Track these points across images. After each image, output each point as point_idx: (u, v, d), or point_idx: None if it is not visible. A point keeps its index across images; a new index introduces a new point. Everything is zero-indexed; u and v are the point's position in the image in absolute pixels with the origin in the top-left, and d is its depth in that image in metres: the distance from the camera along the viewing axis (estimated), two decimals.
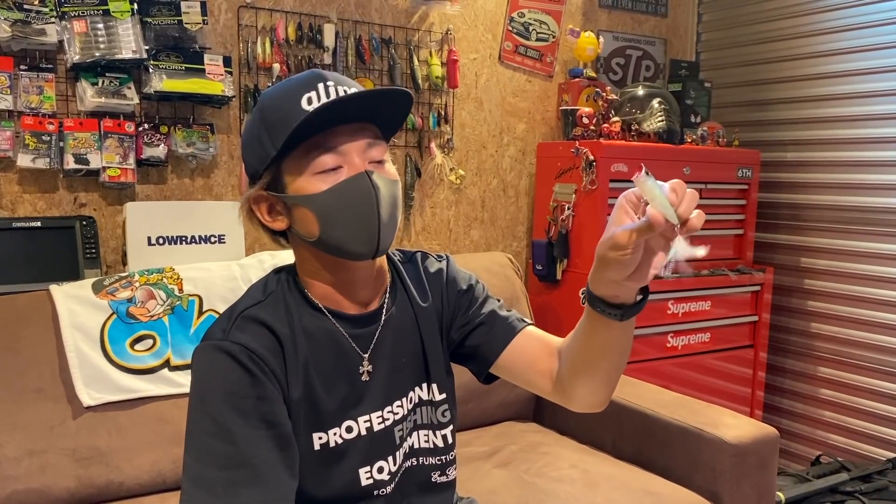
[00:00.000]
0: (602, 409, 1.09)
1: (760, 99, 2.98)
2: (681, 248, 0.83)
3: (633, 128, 2.60)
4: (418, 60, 2.52)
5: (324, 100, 0.98)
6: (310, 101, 0.98)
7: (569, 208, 2.56)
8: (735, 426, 1.89)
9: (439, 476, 1.15)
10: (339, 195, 0.98)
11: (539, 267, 2.64)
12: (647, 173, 0.80)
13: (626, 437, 2.07)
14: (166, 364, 1.83)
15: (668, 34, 3.23)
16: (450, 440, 1.16)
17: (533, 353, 1.13)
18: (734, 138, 2.84)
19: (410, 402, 1.12)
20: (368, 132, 1.02)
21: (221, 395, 0.96)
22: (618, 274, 0.86)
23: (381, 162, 1.03)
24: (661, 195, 0.79)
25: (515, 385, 2.39)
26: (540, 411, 2.38)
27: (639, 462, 2.01)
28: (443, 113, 2.61)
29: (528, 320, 1.19)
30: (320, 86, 0.99)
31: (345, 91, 1.00)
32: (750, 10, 3.04)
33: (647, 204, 0.81)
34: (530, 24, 2.82)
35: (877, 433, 2.65)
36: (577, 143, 2.53)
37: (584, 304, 0.97)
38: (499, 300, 1.22)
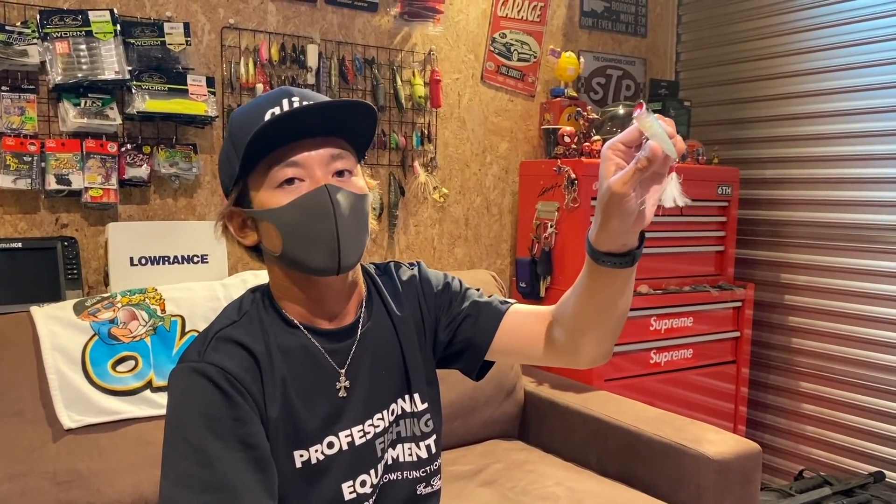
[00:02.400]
0: (607, 360, 1.12)
1: (739, 117, 3.03)
2: (671, 190, 0.88)
3: None
4: (401, 80, 2.54)
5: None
6: (273, 115, 0.99)
7: (551, 226, 2.57)
8: (718, 442, 1.91)
9: (424, 487, 1.14)
10: (298, 209, 0.98)
11: (523, 284, 2.65)
12: (648, 110, 0.85)
13: (611, 453, 2.07)
14: (148, 385, 1.81)
15: (648, 54, 3.28)
16: (433, 450, 1.16)
17: (526, 327, 1.15)
18: (714, 156, 2.87)
19: (392, 414, 1.12)
20: (333, 144, 1.02)
21: (197, 418, 0.95)
22: (622, 222, 0.89)
23: (345, 174, 1.02)
24: (661, 130, 0.84)
25: (500, 403, 2.40)
26: (525, 429, 2.38)
27: (623, 479, 2.02)
28: (426, 132, 2.63)
29: (512, 300, 1.20)
30: (285, 101, 1.00)
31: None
32: (728, 31, 3.09)
33: (645, 140, 0.85)
34: (512, 45, 2.85)
35: (859, 447, 2.67)
36: (559, 161, 2.55)
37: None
38: (477, 289, 1.23)
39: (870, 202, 2.63)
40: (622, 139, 0.88)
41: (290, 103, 1.00)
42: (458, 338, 1.18)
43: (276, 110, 0.99)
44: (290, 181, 0.99)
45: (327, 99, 1.04)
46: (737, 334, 2.85)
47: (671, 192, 0.88)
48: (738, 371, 2.85)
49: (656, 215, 0.90)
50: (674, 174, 0.88)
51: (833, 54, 2.71)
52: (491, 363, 1.20)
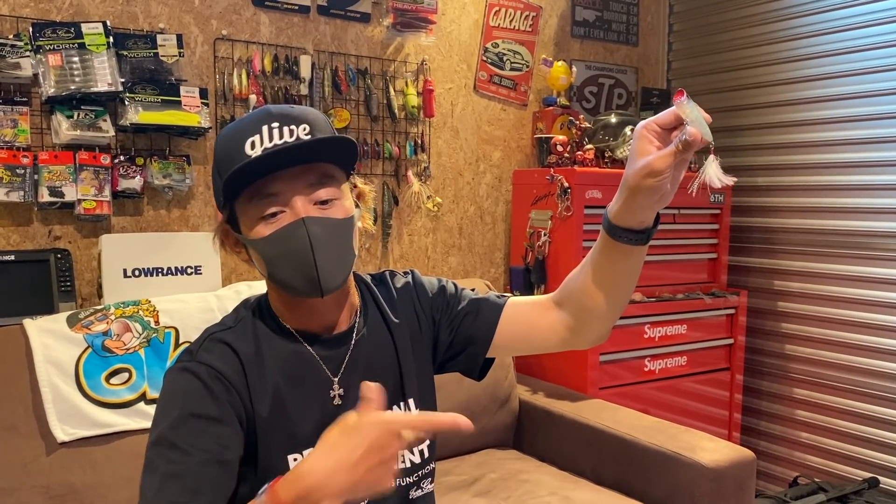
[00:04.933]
0: (605, 340, 1.17)
1: (731, 125, 3.05)
2: (713, 170, 0.91)
3: (606, 155, 2.64)
4: (394, 90, 2.55)
5: (266, 144, 1.00)
6: (252, 146, 1.00)
7: (545, 234, 2.58)
8: (712, 450, 1.91)
9: (415, 491, 1.16)
10: (276, 243, 1.01)
11: (516, 293, 2.66)
12: (688, 97, 0.90)
13: (606, 462, 2.08)
14: (142, 397, 1.81)
15: (640, 63, 3.30)
16: (426, 454, 1.17)
17: (528, 316, 1.18)
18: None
19: None
20: (313, 174, 1.02)
21: (178, 412, 0.98)
22: (649, 199, 0.95)
23: (328, 202, 1.03)
24: (700, 116, 0.89)
25: (495, 413, 2.39)
26: (520, 438, 2.38)
27: (618, 487, 2.02)
28: (419, 142, 2.64)
29: (508, 294, 1.23)
30: (264, 128, 1.00)
31: (291, 130, 1.01)
32: (719, 39, 3.11)
33: (682, 125, 0.90)
34: (504, 55, 2.86)
35: (853, 454, 2.68)
36: (551, 170, 2.56)
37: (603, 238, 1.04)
38: (472, 289, 1.26)
39: (861, 209, 2.64)
40: (658, 120, 0.93)
41: (270, 130, 1.00)
42: (459, 336, 1.20)
43: (255, 139, 1.00)
44: (272, 215, 1.00)
45: (310, 119, 1.04)
46: (730, 341, 2.86)
47: (713, 172, 0.91)
48: (732, 378, 2.86)
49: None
50: (712, 156, 0.92)
51: (823, 62, 2.73)
52: (491, 361, 1.22)
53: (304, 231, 1.00)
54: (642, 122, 0.94)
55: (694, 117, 0.89)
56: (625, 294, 1.10)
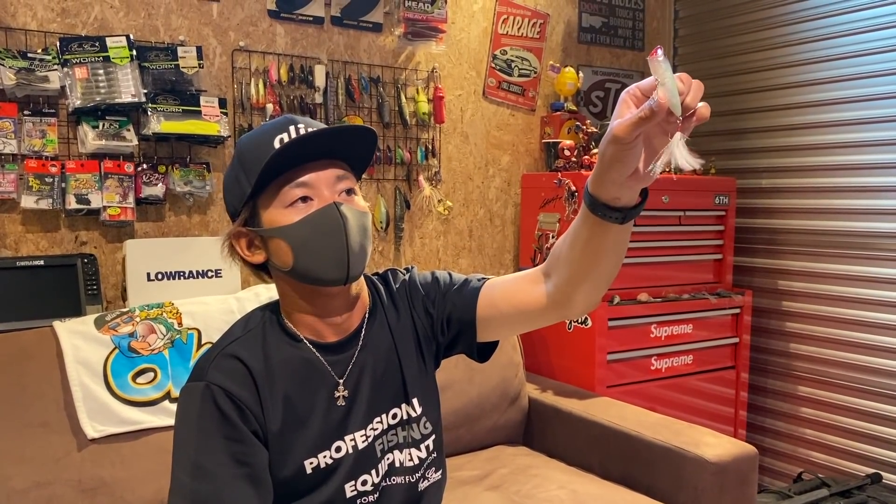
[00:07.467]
0: (596, 307, 1.12)
1: (735, 128, 3.10)
2: (680, 152, 0.81)
3: None
4: (406, 98, 2.62)
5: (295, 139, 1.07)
6: (281, 142, 1.07)
7: (553, 237, 2.64)
8: (715, 445, 1.97)
9: (422, 482, 1.20)
10: (310, 225, 1.06)
11: None
12: (664, 56, 0.79)
13: (613, 458, 2.14)
14: (167, 396, 1.89)
15: (646, 67, 3.35)
16: (431, 447, 1.21)
17: (513, 293, 1.15)
18: (711, 166, 2.94)
19: (393, 418, 1.18)
20: (337, 166, 1.10)
21: (196, 435, 1.04)
22: (619, 173, 0.87)
23: (350, 193, 1.10)
24: (673, 82, 0.79)
25: (505, 410, 2.45)
26: (529, 435, 2.45)
27: (625, 482, 2.08)
28: (430, 147, 2.71)
29: (490, 276, 1.22)
30: (291, 128, 1.08)
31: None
32: (723, 44, 3.17)
33: (657, 90, 0.80)
34: (512, 61, 2.93)
35: (856, 450, 2.73)
36: (559, 174, 2.63)
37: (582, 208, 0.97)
38: (467, 276, 1.25)
39: (863, 210, 2.69)
40: (640, 85, 0.84)
41: (297, 129, 1.08)
42: (451, 325, 1.21)
43: (285, 136, 1.07)
44: (301, 200, 1.06)
45: (326, 126, 1.11)
46: (736, 340, 2.91)
47: (680, 154, 0.80)
48: (737, 376, 2.91)
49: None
50: (678, 134, 0.81)
51: (826, 66, 2.78)
52: (493, 344, 1.23)
53: (337, 213, 1.06)
54: (627, 88, 0.86)
55: (665, 80, 0.78)
56: (609, 268, 1.03)
